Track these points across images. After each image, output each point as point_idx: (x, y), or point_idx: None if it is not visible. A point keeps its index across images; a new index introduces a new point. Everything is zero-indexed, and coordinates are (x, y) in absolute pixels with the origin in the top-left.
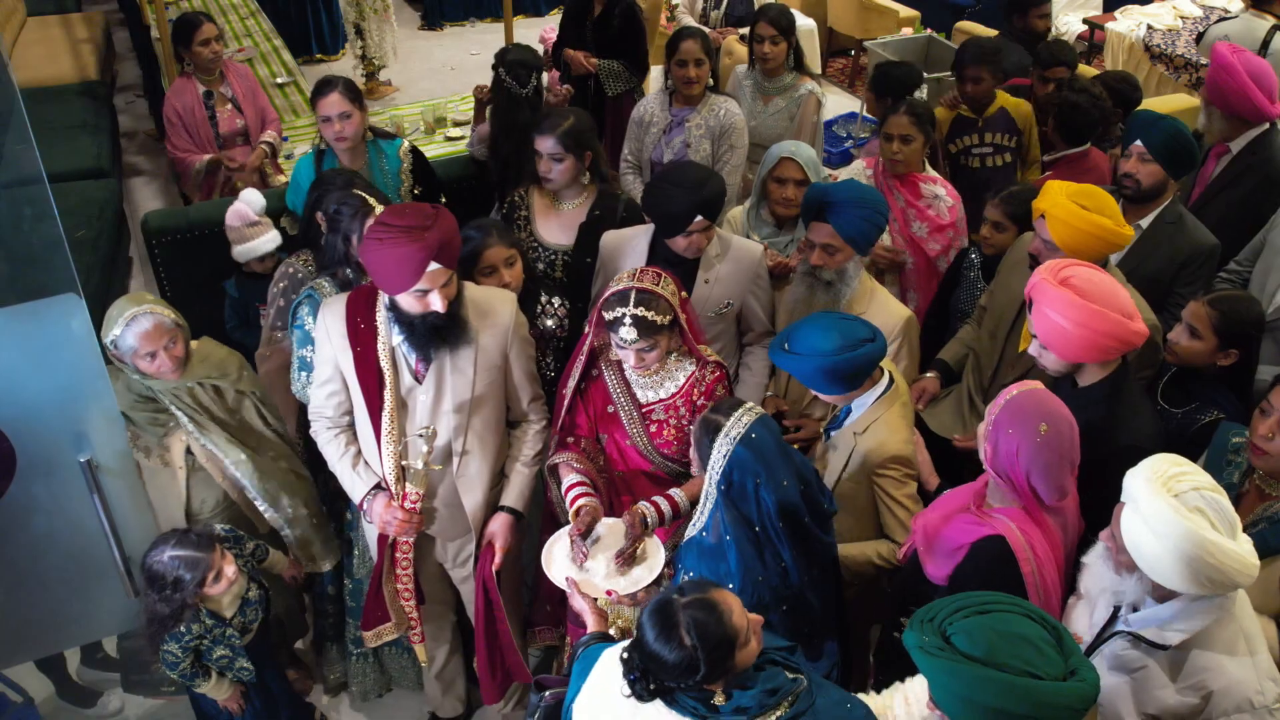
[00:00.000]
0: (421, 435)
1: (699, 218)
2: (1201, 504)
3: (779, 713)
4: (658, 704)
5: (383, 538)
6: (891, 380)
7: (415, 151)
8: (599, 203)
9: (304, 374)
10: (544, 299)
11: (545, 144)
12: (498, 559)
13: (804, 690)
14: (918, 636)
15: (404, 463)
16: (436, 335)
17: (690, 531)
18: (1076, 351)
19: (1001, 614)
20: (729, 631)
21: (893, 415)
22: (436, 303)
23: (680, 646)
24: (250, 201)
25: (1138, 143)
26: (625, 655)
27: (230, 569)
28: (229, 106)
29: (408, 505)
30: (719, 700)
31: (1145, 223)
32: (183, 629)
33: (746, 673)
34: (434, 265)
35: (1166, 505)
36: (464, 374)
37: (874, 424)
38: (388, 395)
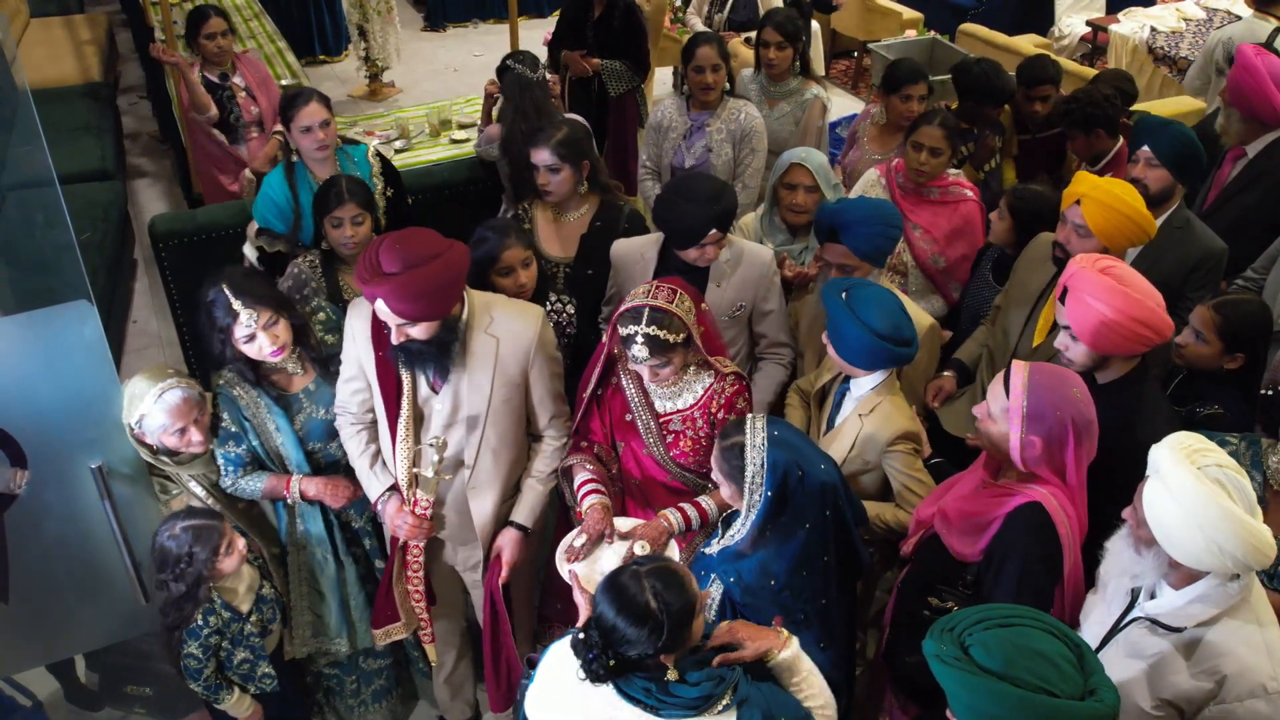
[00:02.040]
0: (432, 445)
1: (713, 230)
2: (1222, 479)
3: (725, 700)
4: (608, 692)
5: (394, 538)
6: None
7: (381, 155)
8: (600, 213)
9: (233, 470)
10: (553, 298)
11: (541, 155)
12: (504, 573)
13: (740, 678)
14: (936, 645)
15: (414, 470)
16: (420, 358)
17: (725, 542)
18: (1111, 341)
19: (1023, 629)
20: (689, 598)
21: (897, 398)
22: (398, 336)
23: (646, 611)
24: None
25: (1145, 148)
26: (581, 636)
27: (240, 542)
28: (244, 94)
29: (418, 511)
30: (671, 676)
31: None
32: (200, 622)
33: (694, 656)
34: (385, 309)
35: (1189, 473)
36: (480, 388)
37: (879, 405)
38: (405, 403)
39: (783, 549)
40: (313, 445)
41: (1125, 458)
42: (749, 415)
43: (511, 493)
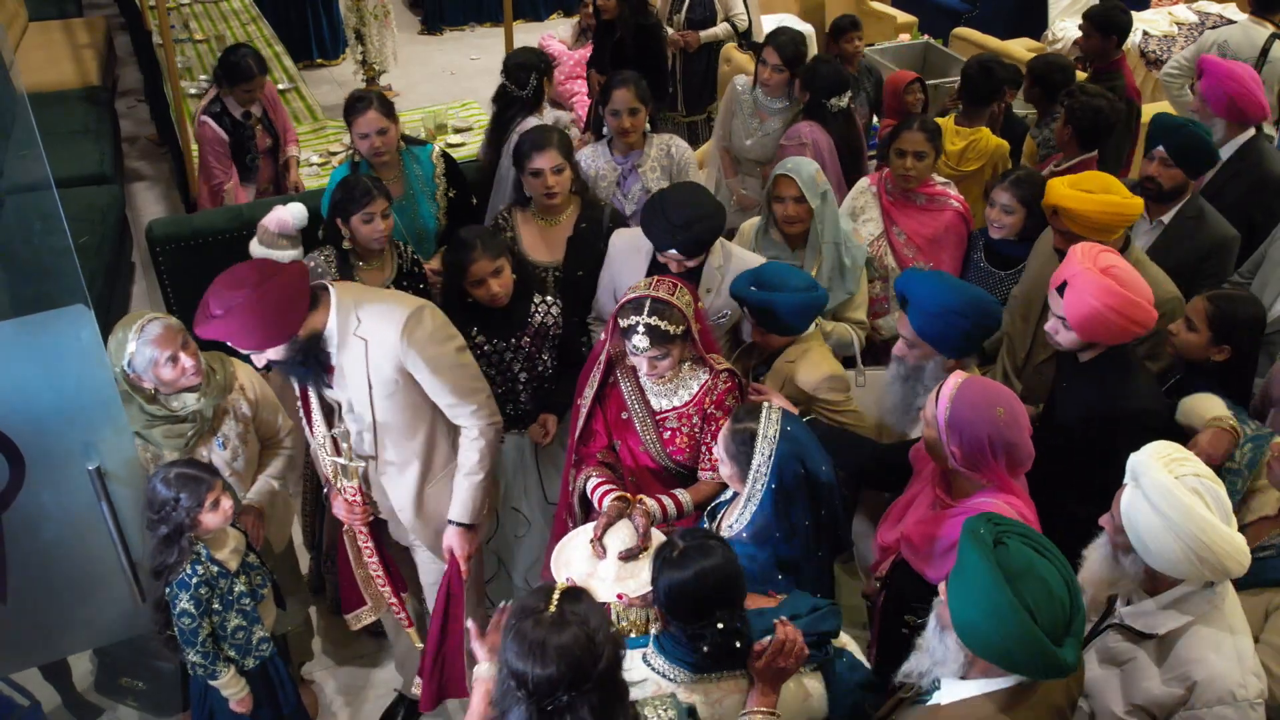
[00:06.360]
0: (334, 435)
1: (673, 251)
2: (1200, 488)
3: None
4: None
5: (342, 524)
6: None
7: (446, 155)
8: (584, 214)
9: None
10: (537, 299)
11: (545, 158)
12: (464, 568)
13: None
14: (978, 524)
15: (334, 460)
16: (290, 371)
17: (725, 533)
18: (1103, 333)
19: (1050, 565)
20: (731, 552)
21: (817, 346)
22: (259, 360)
23: (730, 573)
24: (295, 215)
25: (1160, 148)
26: (687, 634)
27: (228, 503)
28: (259, 125)
29: (347, 498)
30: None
31: (1167, 218)
32: (188, 571)
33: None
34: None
35: (1167, 481)
36: (359, 389)
37: (801, 356)
38: (313, 397)
39: (779, 548)
40: None
41: (1120, 423)
42: (765, 404)
43: (439, 472)
